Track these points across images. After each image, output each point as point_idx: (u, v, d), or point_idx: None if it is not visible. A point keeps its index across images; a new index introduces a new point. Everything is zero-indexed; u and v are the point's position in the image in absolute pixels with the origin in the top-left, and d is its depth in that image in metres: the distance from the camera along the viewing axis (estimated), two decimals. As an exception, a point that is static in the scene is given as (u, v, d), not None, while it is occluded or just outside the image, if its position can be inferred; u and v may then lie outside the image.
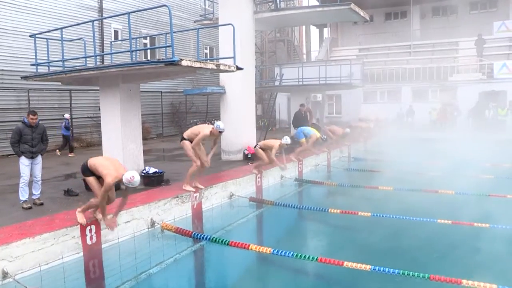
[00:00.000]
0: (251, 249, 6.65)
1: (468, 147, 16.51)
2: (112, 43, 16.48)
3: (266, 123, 24.02)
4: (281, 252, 6.43)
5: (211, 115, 26.81)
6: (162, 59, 8.62)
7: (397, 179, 12.11)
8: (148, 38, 21.91)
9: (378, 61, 30.80)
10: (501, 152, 16.28)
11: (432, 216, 8.47)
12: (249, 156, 13.93)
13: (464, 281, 5.39)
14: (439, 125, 24.77)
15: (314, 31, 39.39)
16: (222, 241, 7.03)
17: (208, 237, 7.28)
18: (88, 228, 6.53)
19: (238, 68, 10.51)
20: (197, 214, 8.99)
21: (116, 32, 21.14)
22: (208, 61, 11.58)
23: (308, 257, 6.30)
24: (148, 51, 22.48)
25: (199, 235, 7.46)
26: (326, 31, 37.51)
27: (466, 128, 23.18)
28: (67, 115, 16.52)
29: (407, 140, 18.88)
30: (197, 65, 8.95)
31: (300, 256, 6.33)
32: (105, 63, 15.51)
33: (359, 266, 6.00)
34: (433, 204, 9.97)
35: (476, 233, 7.79)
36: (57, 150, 16.26)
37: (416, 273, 5.68)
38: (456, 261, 6.69)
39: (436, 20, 33.02)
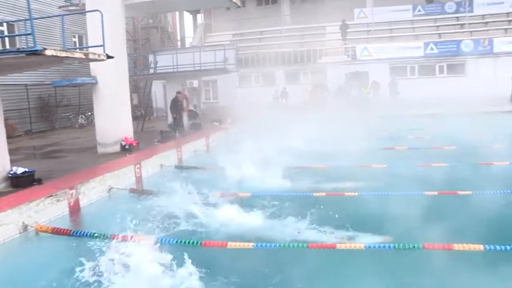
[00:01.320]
0: (134, 240, 6.50)
1: (342, 124, 17.58)
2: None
3: (143, 113, 23.48)
4: (165, 240, 6.40)
5: (84, 107, 25.54)
6: (23, 48, 7.96)
7: (279, 157, 12.53)
8: (5, 24, 20.08)
9: (252, 46, 31.52)
10: (367, 126, 17.54)
11: (310, 190, 9.11)
12: (127, 147, 13.53)
13: (339, 245, 5.89)
14: (311, 105, 26.09)
15: (188, 17, 39.11)
16: (103, 235, 6.79)
17: (88, 233, 6.99)
18: None
19: (109, 57, 10.08)
20: (75, 211, 8.56)
21: (-34, 19, 19.09)
22: (77, 49, 10.96)
23: (193, 242, 6.35)
24: (6, 39, 20.60)
25: (78, 232, 7.13)
26: (199, 17, 37.44)
27: (336, 107, 24.67)
28: None
29: (286, 120, 19.63)
30: (63, 54, 8.41)
31: (185, 242, 6.37)
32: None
33: (242, 245, 6.21)
34: (311, 177, 10.56)
35: (348, 200, 8.55)
36: None
37: (292, 244, 6.25)
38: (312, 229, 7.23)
39: (304, 6, 34.56)
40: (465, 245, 5.80)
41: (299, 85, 28.35)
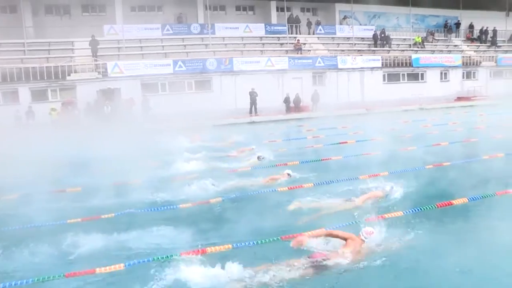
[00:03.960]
0: None
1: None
2: None
3: None
4: None
5: None
6: None
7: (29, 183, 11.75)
8: None
9: (-12, 60, 28.36)
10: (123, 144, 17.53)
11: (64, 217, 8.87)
12: None
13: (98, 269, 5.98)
14: (61, 124, 24.82)
15: None
16: None
17: None
18: None
19: None
20: None
21: None
22: None
23: None
24: None
25: None
26: None
27: (87, 125, 24.00)
28: None
29: (32, 141, 18.38)
30: None
31: None
32: None
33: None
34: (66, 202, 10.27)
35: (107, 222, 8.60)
36: None
37: (48, 276, 6.19)
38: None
39: (50, 19, 32.70)
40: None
41: (47, 103, 26.75)
